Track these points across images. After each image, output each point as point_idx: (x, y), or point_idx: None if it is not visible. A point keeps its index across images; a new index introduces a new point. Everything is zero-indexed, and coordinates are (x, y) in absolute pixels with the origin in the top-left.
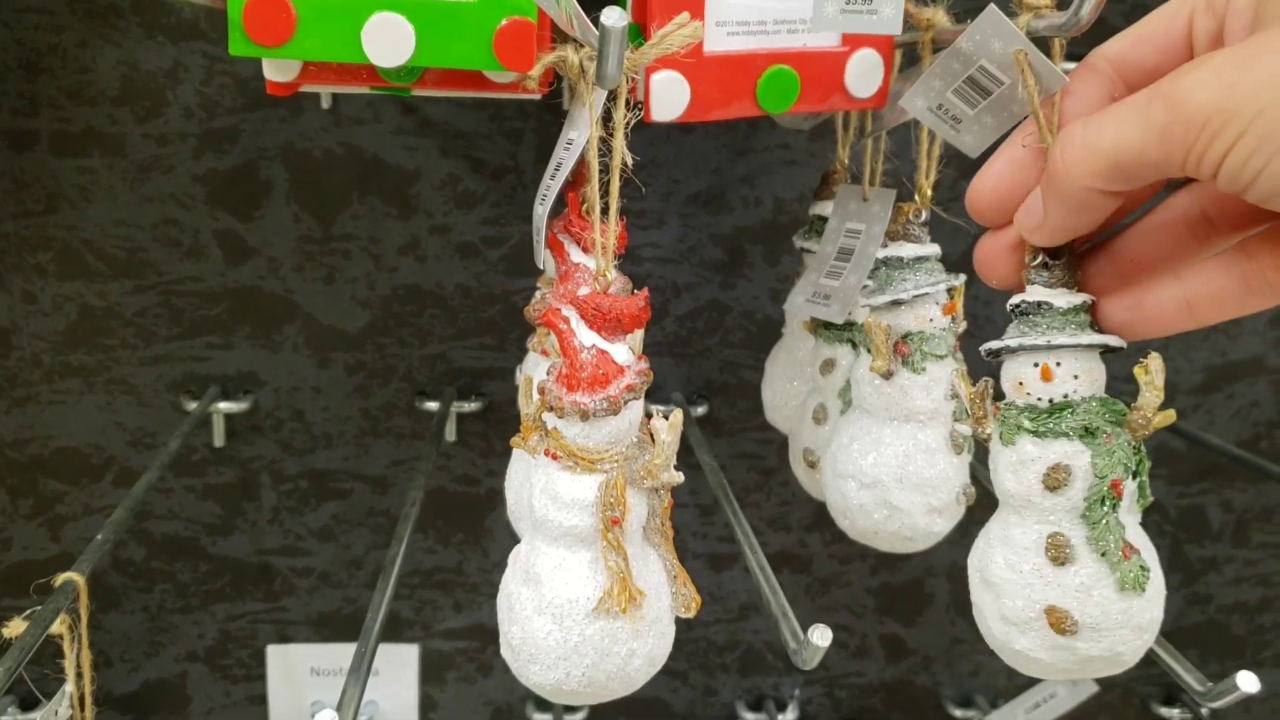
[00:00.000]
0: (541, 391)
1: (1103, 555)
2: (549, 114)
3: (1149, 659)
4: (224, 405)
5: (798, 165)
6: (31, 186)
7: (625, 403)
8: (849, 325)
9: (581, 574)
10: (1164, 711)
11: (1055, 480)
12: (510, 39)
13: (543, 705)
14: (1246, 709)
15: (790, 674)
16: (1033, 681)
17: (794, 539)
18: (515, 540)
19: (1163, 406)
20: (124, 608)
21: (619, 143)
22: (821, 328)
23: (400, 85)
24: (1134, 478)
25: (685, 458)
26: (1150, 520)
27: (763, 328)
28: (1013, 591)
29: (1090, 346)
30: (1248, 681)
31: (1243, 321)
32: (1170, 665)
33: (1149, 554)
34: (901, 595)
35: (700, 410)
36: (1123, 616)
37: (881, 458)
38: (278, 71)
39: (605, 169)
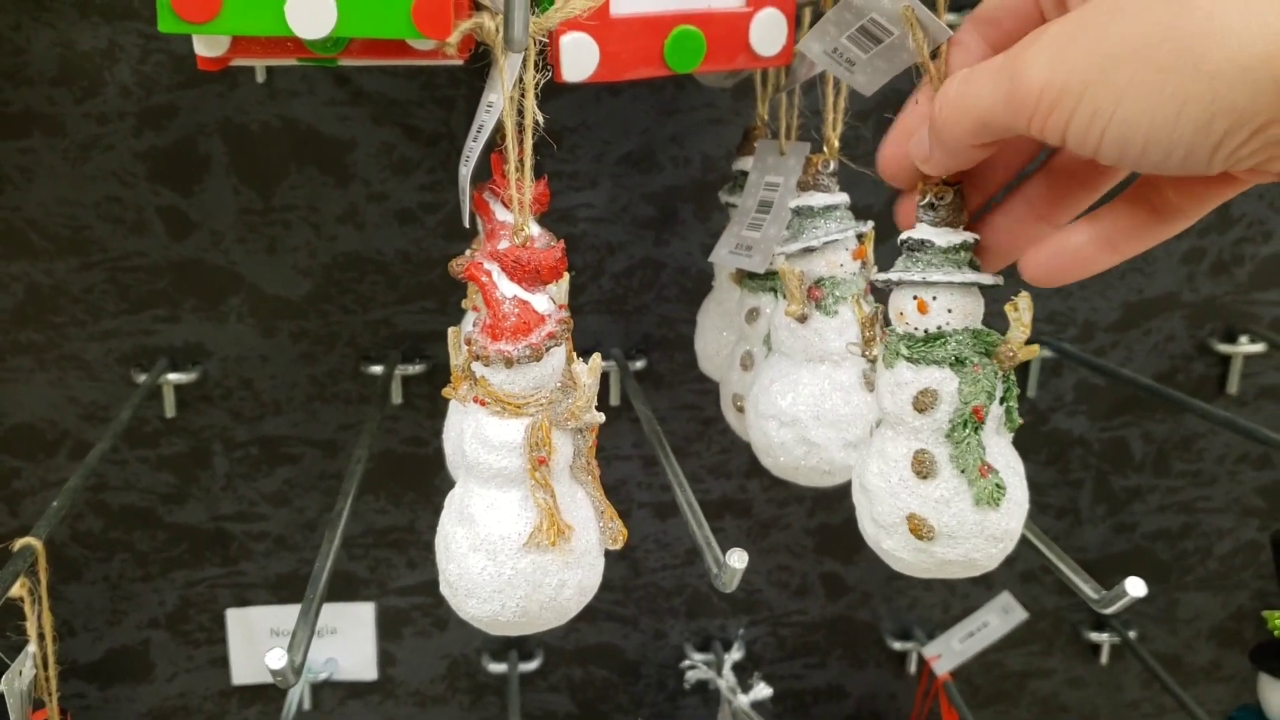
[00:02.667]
0: (468, 342)
1: (962, 472)
2: (480, 80)
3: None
4: (173, 376)
5: (724, 123)
6: None
7: (547, 349)
8: (771, 275)
9: (512, 512)
10: (1094, 636)
11: (924, 403)
12: (428, 7)
13: (498, 655)
14: (1173, 631)
15: (736, 615)
16: (966, 613)
17: (734, 485)
18: None
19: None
20: (85, 578)
21: (530, 103)
22: (746, 278)
23: (327, 55)
24: (1001, 403)
25: (626, 411)
26: (1075, 454)
27: (696, 282)
28: (882, 498)
29: (963, 284)
30: (1135, 587)
31: (1156, 259)
32: (1069, 577)
33: (1011, 473)
34: (839, 535)
35: (639, 365)
36: (977, 527)
37: (799, 397)
38: (207, 47)
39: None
